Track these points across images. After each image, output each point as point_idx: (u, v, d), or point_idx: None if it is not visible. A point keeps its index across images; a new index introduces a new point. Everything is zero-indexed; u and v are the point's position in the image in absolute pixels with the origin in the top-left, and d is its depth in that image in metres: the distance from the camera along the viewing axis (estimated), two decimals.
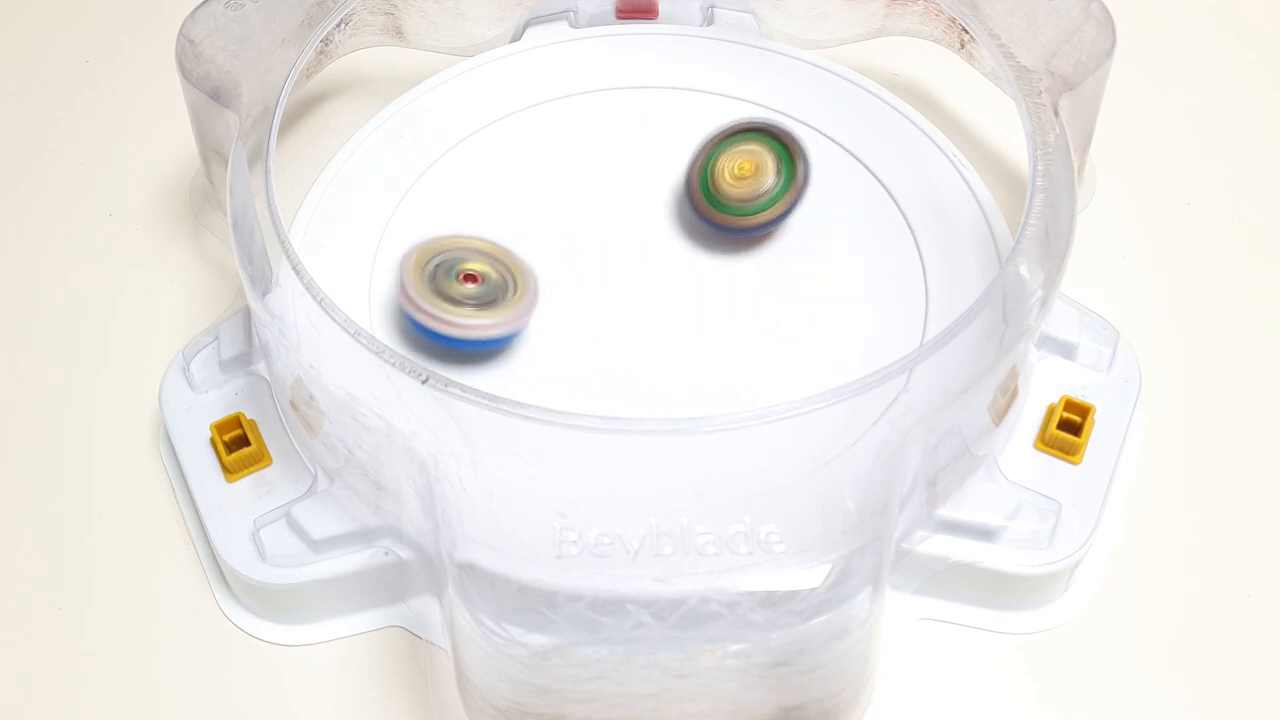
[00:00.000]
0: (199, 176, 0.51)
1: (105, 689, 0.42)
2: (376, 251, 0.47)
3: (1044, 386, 0.45)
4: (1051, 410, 0.44)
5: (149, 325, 0.49)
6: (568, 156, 0.50)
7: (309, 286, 0.40)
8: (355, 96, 0.54)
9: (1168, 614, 0.43)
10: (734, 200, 0.46)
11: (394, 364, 0.38)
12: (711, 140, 0.47)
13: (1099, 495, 0.43)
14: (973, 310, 0.40)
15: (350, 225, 0.47)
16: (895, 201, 0.48)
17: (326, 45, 0.50)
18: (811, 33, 0.53)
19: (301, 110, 0.53)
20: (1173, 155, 0.54)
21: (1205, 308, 0.49)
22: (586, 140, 0.50)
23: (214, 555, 0.43)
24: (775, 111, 0.50)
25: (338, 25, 0.50)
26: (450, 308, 0.43)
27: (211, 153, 0.47)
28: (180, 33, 0.46)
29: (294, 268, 0.40)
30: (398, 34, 0.52)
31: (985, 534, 0.41)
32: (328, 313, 0.39)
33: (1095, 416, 0.44)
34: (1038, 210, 0.42)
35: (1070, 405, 0.44)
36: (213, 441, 0.43)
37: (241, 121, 0.45)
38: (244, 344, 0.45)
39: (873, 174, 0.49)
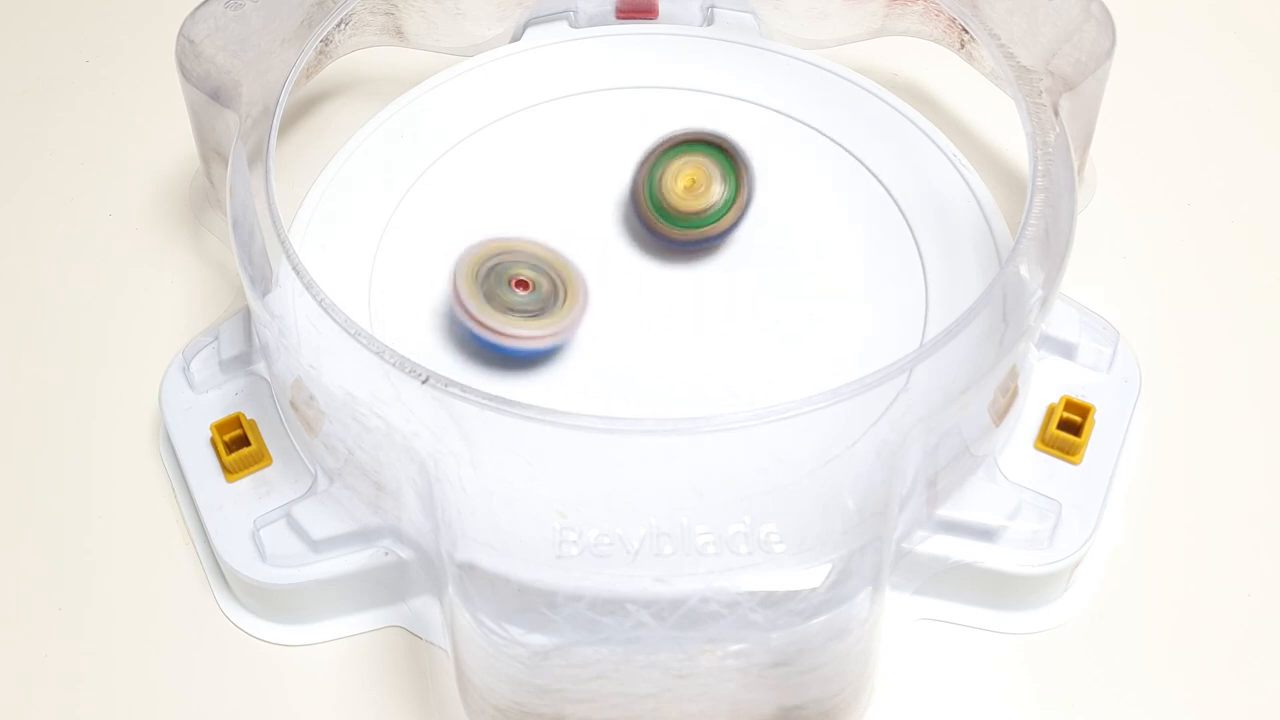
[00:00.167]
0: (199, 176, 0.51)
1: (105, 689, 0.42)
2: (376, 251, 0.47)
3: (1044, 386, 0.44)
4: (1051, 410, 0.44)
5: (149, 325, 0.49)
6: (568, 157, 0.50)
7: (309, 286, 0.40)
8: (355, 96, 0.54)
9: (1168, 614, 0.43)
10: (684, 214, 0.46)
11: (394, 364, 0.38)
12: (653, 152, 0.47)
13: (1099, 495, 0.43)
14: (973, 310, 0.40)
15: (350, 225, 0.47)
16: (895, 201, 0.48)
17: (326, 45, 0.50)
18: (811, 33, 0.53)
19: (301, 110, 0.53)
20: (1173, 155, 0.54)
21: (1205, 308, 0.49)
22: (586, 140, 0.50)
23: (214, 555, 0.43)
24: (775, 111, 0.50)
25: (338, 25, 0.49)
26: (501, 317, 0.43)
27: (211, 153, 0.47)
28: (180, 33, 0.46)
29: (294, 268, 0.40)
30: (398, 34, 0.52)
31: (985, 534, 0.41)
32: (328, 313, 0.39)
33: (1095, 416, 0.44)
34: (1038, 210, 0.42)
35: (1070, 405, 0.44)
36: (213, 441, 0.43)
37: (241, 121, 0.45)
38: (244, 344, 0.45)
39: (873, 174, 0.49)
